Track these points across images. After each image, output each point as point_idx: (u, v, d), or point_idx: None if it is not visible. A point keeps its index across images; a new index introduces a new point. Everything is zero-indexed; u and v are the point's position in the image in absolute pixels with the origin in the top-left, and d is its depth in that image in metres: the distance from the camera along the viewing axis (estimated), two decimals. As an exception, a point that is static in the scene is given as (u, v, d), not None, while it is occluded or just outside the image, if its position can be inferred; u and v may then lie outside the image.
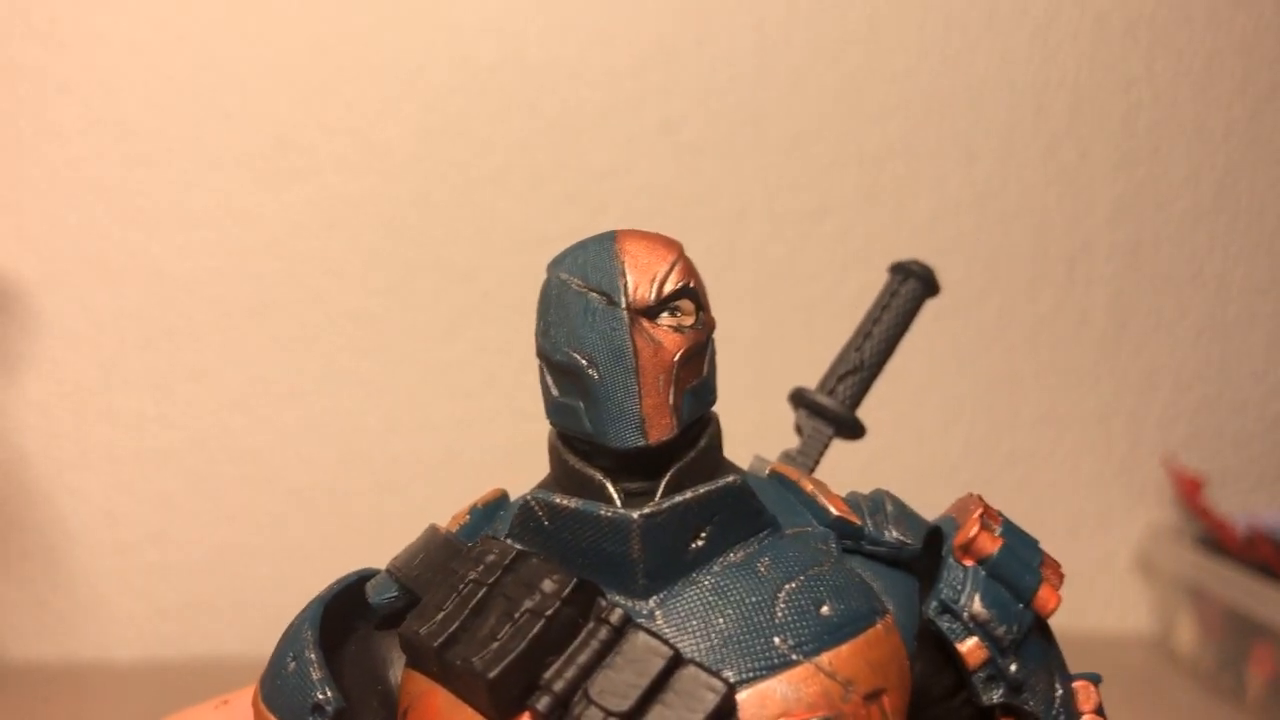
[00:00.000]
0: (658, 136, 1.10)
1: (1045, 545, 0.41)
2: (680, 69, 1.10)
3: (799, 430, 0.51)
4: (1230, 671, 1.02)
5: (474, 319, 1.10)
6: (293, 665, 0.39)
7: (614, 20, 1.09)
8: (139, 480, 1.08)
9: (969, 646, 0.38)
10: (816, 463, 0.49)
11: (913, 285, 0.52)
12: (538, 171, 1.09)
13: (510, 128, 1.09)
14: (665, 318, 0.39)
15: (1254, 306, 1.20)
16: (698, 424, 0.40)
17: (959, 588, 0.39)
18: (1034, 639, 0.39)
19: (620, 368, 0.38)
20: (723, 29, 1.10)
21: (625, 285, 0.39)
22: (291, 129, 1.07)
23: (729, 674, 0.35)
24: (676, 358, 0.38)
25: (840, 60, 1.12)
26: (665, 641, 0.35)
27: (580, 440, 0.39)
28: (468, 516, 0.42)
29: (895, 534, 0.40)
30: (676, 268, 0.39)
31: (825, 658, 0.36)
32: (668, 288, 0.39)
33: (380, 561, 0.42)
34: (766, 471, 0.44)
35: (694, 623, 0.36)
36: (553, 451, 0.41)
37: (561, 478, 0.41)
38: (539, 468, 0.43)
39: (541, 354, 0.40)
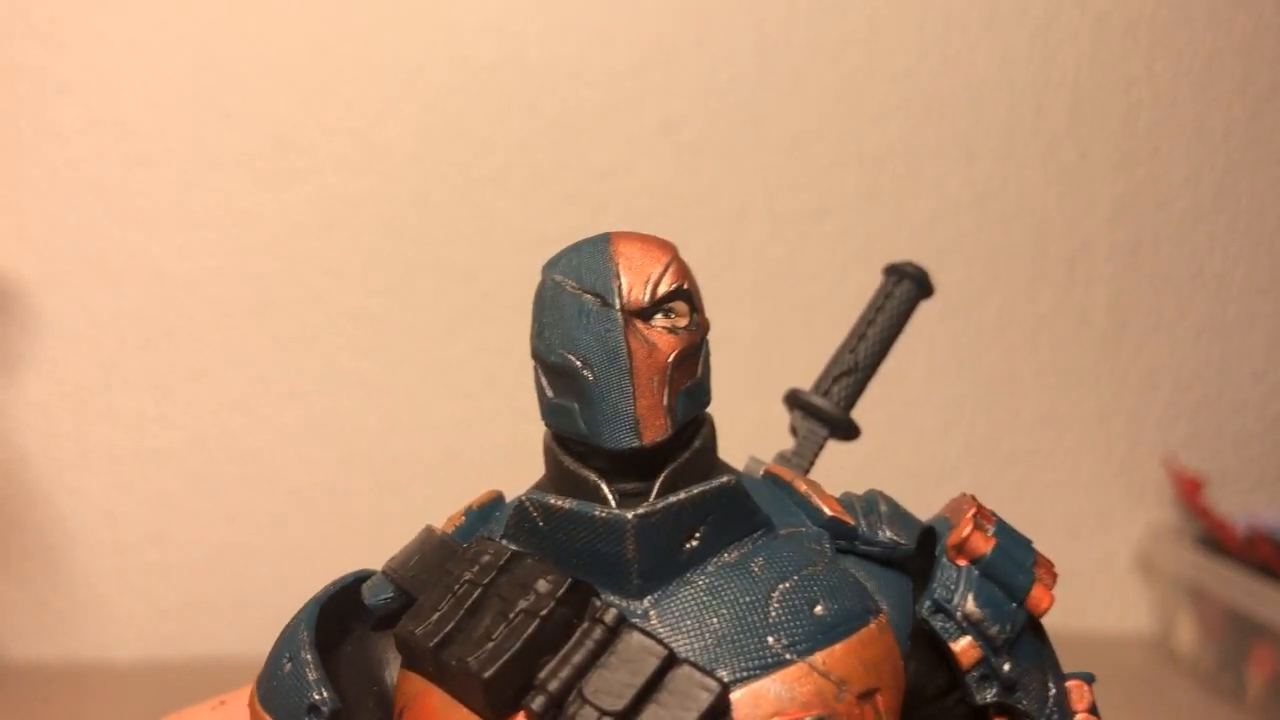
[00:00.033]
0: (658, 136, 1.10)
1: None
2: (680, 69, 1.10)
3: (794, 431, 0.51)
4: (1230, 671, 1.02)
5: (474, 319, 1.10)
6: (289, 666, 0.39)
7: (614, 20, 1.09)
8: (139, 480, 1.08)
9: (962, 646, 0.38)
10: (811, 464, 0.49)
11: (907, 287, 0.52)
12: (538, 171, 1.09)
13: (510, 128, 1.09)
14: (659, 319, 0.39)
15: (1254, 306, 1.20)
16: (692, 425, 0.40)
17: (952, 587, 0.39)
18: (1027, 638, 0.39)
19: (615, 369, 0.38)
20: (723, 29, 1.10)
21: (620, 287, 0.39)
22: (291, 129, 1.07)
23: (723, 673, 0.35)
24: (670, 359, 0.38)
25: (840, 60, 1.12)
26: (660, 641, 0.35)
27: (575, 441, 0.40)
28: (463, 518, 0.42)
29: (889, 534, 0.40)
30: (670, 269, 0.40)
31: (819, 657, 0.36)
32: (662, 289, 0.39)
33: (380, 562, 0.42)
34: (761, 472, 0.44)
35: (688, 622, 0.36)
36: (548, 453, 0.41)
37: (556, 479, 0.41)
38: (539, 468, 0.43)
39: (536, 355, 0.41)
